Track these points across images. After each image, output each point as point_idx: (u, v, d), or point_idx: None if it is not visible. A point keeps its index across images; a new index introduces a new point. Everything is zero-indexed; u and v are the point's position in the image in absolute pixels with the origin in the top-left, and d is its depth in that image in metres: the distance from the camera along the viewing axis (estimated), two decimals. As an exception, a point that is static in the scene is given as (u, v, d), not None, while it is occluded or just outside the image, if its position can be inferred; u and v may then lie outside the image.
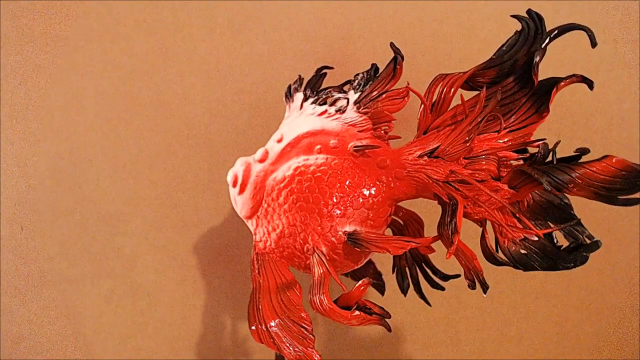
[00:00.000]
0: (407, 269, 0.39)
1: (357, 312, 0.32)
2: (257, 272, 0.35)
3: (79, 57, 0.47)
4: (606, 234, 0.57)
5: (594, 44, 0.30)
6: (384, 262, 0.41)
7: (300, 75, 0.37)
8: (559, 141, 0.32)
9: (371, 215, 0.33)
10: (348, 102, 0.35)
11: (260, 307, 0.34)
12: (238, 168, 0.38)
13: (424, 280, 0.39)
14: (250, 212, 0.36)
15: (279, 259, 0.35)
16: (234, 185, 0.38)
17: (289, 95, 0.38)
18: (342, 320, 0.32)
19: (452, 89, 0.32)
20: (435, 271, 0.38)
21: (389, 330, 0.33)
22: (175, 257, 0.51)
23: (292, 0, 0.48)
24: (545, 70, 0.55)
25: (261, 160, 0.37)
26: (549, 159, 0.31)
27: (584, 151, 0.32)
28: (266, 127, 0.50)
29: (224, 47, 0.48)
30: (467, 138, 0.31)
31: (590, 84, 0.30)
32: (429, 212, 0.38)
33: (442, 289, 0.38)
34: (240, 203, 0.37)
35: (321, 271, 0.32)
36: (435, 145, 0.31)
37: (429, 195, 0.33)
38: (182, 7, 0.47)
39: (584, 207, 0.56)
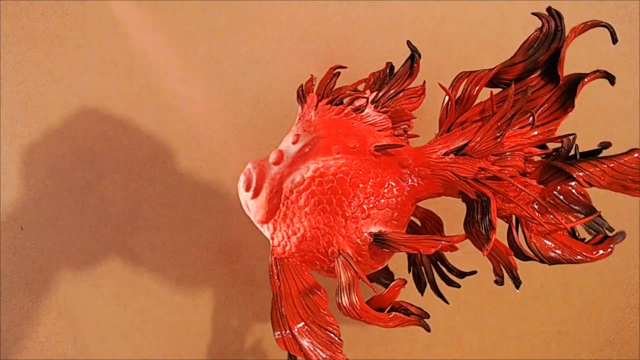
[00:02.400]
0: (422, 267, 0.38)
1: (393, 314, 0.31)
2: (276, 277, 0.34)
3: (79, 57, 0.47)
4: (606, 234, 0.57)
5: (615, 40, 0.30)
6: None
7: (312, 75, 0.36)
8: (575, 135, 0.32)
9: (395, 215, 0.33)
10: (367, 101, 0.34)
11: (284, 313, 0.33)
12: (251, 171, 0.36)
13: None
14: (266, 216, 0.35)
15: (300, 263, 0.34)
16: (248, 189, 0.36)
17: (302, 95, 0.36)
18: (378, 323, 0.31)
19: (478, 86, 0.32)
20: (451, 269, 0.37)
21: (428, 330, 0.32)
22: (175, 257, 0.51)
23: (292, 0, 0.48)
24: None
25: (276, 163, 0.35)
26: (571, 153, 0.32)
27: (606, 145, 0.32)
28: (266, 127, 0.50)
29: (224, 47, 0.48)
30: (498, 134, 0.30)
31: (612, 80, 0.31)
32: (439, 210, 0.38)
33: (458, 286, 0.37)
34: (254, 207, 0.36)
35: (349, 274, 0.31)
36: (462, 143, 0.31)
37: (452, 194, 0.33)
38: (182, 7, 0.47)
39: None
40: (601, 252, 0.32)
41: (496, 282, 0.32)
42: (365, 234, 0.32)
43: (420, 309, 0.32)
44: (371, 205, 0.32)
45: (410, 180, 0.33)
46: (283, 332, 0.33)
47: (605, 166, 0.30)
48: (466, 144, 0.31)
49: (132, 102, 0.48)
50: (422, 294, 0.38)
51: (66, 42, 0.46)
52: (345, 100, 0.35)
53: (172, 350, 0.52)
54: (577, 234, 0.33)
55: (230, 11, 0.48)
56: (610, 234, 0.33)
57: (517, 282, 0.31)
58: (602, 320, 0.57)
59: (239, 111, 0.49)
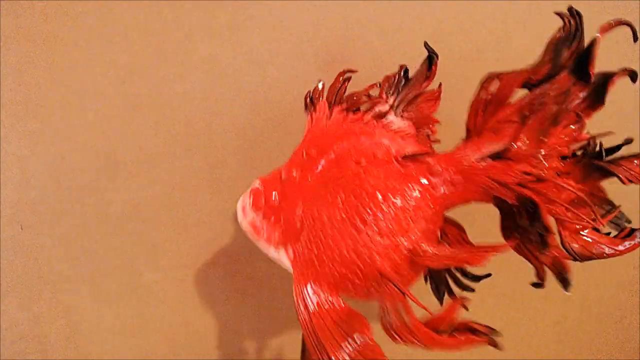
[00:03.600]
0: (439, 276, 0.36)
1: (460, 335, 0.29)
2: (303, 308, 0.31)
3: (79, 57, 0.47)
4: (606, 234, 0.57)
5: (636, 38, 0.31)
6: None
7: (321, 81, 0.34)
8: (609, 132, 0.32)
9: (430, 227, 0.31)
10: (390, 107, 0.32)
11: (322, 343, 0.29)
12: (260, 189, 0.33)
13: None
14: (282, 237, 0.32)
15: (330, 289, 0.31)
16: (258, 207, 0.33)
17: (310, 102, 0.34)
18: (443, 347, 0.29)
19: (513, 87, 0.31)
20: (466, 273, 0.36)
21: (499, 348, 0.30)
22: (175, 257, 0.51)
23: (292, 0, 0.48)
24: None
25: (292, 180, 0.32)
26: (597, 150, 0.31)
27: (629, 141, 0.32)
28: (266, 127, 0.50)
29: (224, 47, 0.48)
30: (542, 136, 0.29)
31: (634, 77, 0.31)
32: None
33: (473, 290, 0.36)
34: (265, 230, 0.33)
35: (396, 296, 0.29)
36: (501, 147, 0.29)
37: (485, 200, 0.31)
38: (182, 7, 0.47)
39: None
40: (627, 244, 0.31)
41: (537, 285, 0.31)
42: (404, 251, 0.30)
43: (488, 326, 0.30)
44: (407, 219, 0.30)
45: (442, 189, 0.31)
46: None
47: None
48: (507, 148, 0.29)
49: (132, 102, 0.48)
50: (440, 304, 0.36)
51: (66, 42, 0.46)
52: (362, 107, 0.33)
53: (172, 350, 0.52)
54: (601, 229, 0.32)
55: (230, 11, 0.48)
56: (629, 226, 0.32)
57: (567, 285, 0.30)
58: (602, 320, 0.57)
59: (238, 111, 0.49)
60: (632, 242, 0.31)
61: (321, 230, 0.30)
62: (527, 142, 0.30)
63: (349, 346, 0.29)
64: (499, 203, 0.31)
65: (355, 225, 0.30)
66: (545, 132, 0.29)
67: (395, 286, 0.29)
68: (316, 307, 0.30)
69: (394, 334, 0.29)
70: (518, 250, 0.31)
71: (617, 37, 0.54)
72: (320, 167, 0.31)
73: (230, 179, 0.50)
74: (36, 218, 0.48)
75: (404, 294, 0.29)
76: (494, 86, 0.31)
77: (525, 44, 0.53)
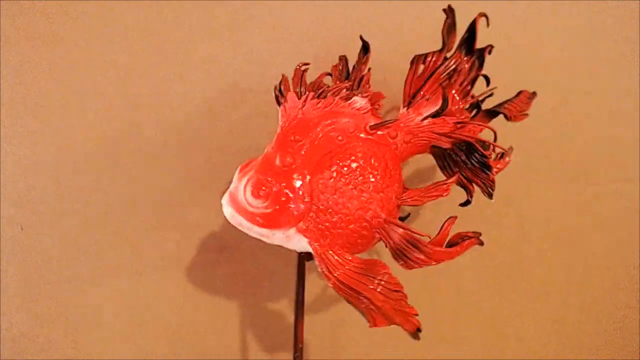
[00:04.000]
0: None
1: (457, 245, 0.35)
2: (335, 278, 0.36)
3: (79, 57, 0.47)
4: (606, 234, 0.57)
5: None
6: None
7: (284, 75, 0.38)
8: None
9: (401, 178, 0.39)
10: (352, 90, 0.39)
11: (362, 292, 0.35)
12: (259, 178, 0.36)
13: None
14: (291, 218, 0.36)
15: (343, 248, 0.37)
16: (265, 196, 0.36)
17: (281, 95, 0.38)
18: (450, 257, 0.35)
19: (434, 66, 0.42)
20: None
21: (482, 244, 0.36)
22: (175, 257, 0.51)
23: (292, 0, 0.48)
24: (547, 69, 0.55)
25: (287, 165, 0.36)
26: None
27: (491, 94, 0.44)
28: (266, 127, 0.50)
29: (224, 47, 0.48)
30: (465, 94, 0.42)
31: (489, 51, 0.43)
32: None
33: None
34: (273, 215, 0.36)
35: (401, 231, 0.36)
36: (437, 108, 0.38)
37: (425, 150, 0.41)
38: (182, 7, 0.47)
39: (583, 207, 0.56)
40: (499, 166, 0.41)
41: (466, 203, 0.39)
42: (394, 199, 0.37)
43: (475, 232, 0.36)
44: (390, 174, 0.38)
45: (400, 147, 0.39)
46: (374, 312, 0.35)
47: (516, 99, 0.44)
48: (445, 107, 0.38)
49: (132, 102, 0.48)
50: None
51: (66, 42, 0.46)
52: (330, 93, 0.38)
53: (172, 350, 0.52)
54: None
55: (230, 11, 0.48)
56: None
57: (491, 195, 0.39)
58: (602, 320, 0.57)
59: (238, 111, 0.49)
60: (505, 162, 0.42)
61: (329, 199, 0.36)
62: (457, 101, 0.41)
63: (378, 285, 0.35)
64: (435, 151, 0.40)
65: (357, 187, 0.36)
66: (466, 92, 0.42)
67: (399, 226, 0.36)
68: (339, 267, 0.36)
69: (412, 263, 0.35)
70: (457, 181, 0.39)
71: (617, 37, 0.54)
72: (310, 147, 0.36)
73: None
74: (36, 218, 0.48)
75: (408, 229, 0.36)
76: (420, 66, 0.40)
77: (525, 44, 0.53)
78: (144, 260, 0.50)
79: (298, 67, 0.39)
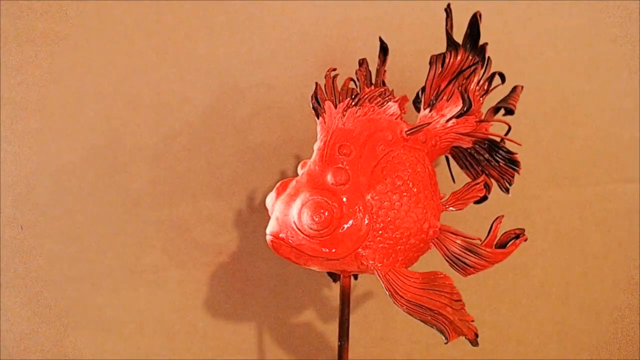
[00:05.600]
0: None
1: (509, 246, 0.35)
2: (400, 295, 0.34)
3: (79, 57, 0.47)
4: (606, 234, 0.57)
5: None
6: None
7: (317, 83, 0.36)
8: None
9: (437, 184, 0.38)
10: (385, 95, 0.37)
11: (433, 310, 0.34)
12: (324, 201, 0.32)
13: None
14: (362, 238, 0.33)
15: (403, 265, 0.35)
16: (325, 225, 0.32)
17: (319, 105, 0.35)
18: (506, 257, 0.35)
19: (453, 68, 0.40)
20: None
21: (525, 239, 0.36)
22: (175, 257, 0.51)
23: (292, 0, 0.48)
24: (547, 69, 0.55)
25: (344, 182, 0.33)
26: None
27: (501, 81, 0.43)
28: (266, 127, 0.50)
29: (224, 47, 0.48)
30: (483, 93, 0.41)
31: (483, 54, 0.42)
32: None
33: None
34: (338, 239, 0.33)
35: (458, 238, 0.35)
36: (461, 109, 0.37)
37: (446, 152, 0.41)
38: (182, 7, 0.47)
39: (583, 207, 0.56)
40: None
41: (483, 199, 0.39)
42: (441, 205, 0.37)
43: (519, 229, 0.36)
44: (433, 179, 0.37)
45: (429, 152, 0.38)
46: (448, 326, 0.34)
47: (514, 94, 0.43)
48: (470, 107, 0.36)
49: (132, 102, 0.48)
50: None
51: (66, 42, 0.46)
52: (366, 99, 0.36)
53: (172, 350, 0.52)
54: None
55: (230, 11, 0.48)
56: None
57: (508, 190, 0.39)
58: (602, 320, 0.57)
59: (238, 111, 0.49)
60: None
61: (389, 215, 0.34)
62: (475, 100, 0.40)
63: (445, 297, 0.34)
64: (454, 150, 0.41)
65: (412, 198, 0.34)
66: (484, 91, 0.41)
67: (455, 233, 0.35)
68: (406, 287, 0.34)
69: (470, 269, 0.34)
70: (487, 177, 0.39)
71: (617, 37, 0.54)
72: (358, 160, 0.34)
73: (230, 179, 0.50)
74: (36, 218, 0.48)
75: (464, 236, 0.35)
76: (439, 65, 0.39)
77: (526, 44, 0.53)
78: (144, 260, 0.50)
79: (328, 74, 0.36)
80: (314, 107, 0.35)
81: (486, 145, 0.38)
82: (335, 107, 0.35)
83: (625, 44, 0.54)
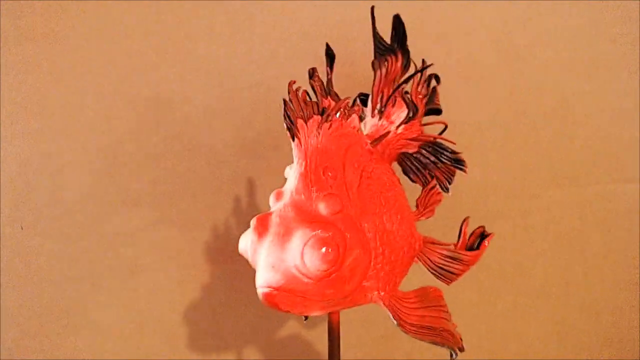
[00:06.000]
0: None
1: (482, 245, 0.35)
2: (404, 320, 0.32)
3: (79, 57, 0.47)
4: (606, 234, 0.57)
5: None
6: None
7: (285, 99, 0.33)
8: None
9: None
10: (351, 107, 0.35)
11: (436, 328, 0.32)
12: (321, 236, 0.28)
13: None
14: (361, 274, 0.30)
15: (398, 284, 0.34)
16: (333, 263, 0.28)
17: (292, 124, 0.31)
18: (480, 256, 0.34)
19: (395, 73, 0.39)
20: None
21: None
22: (175, 257, 0.51)
23: (292, 0, 0.48)
24: (547, 69, 0.55)
25: (335, 213, 0.30)
26: None
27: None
28: (266, 127, 0.50)
29: (224, 47, 0.48)
30: (425, 95, 0.39)
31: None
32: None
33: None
34: (350, 276, 0.29)
35: (439, 247, 0.35)
36: (409, 114, 0.36)
37: (394, 160, 0.39)
38: (182, 7, 0.47)
39: (583, 207, 0.56)
40: None
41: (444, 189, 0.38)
42: (413, 217, 0.36)
43: (480, 226, 0.36)
44: (403, 193, 0.35)
45: (388, 160, 0.37)
46: (452, 341, 0.33)
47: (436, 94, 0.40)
48: (417, 111, 0.36)
49: (132, 102, 0.48)
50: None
51: (66, 42, 0.46)
52: (334, 114, 0.33)
53: (172, 350, 0.52)
54: None
55: (230, 11, 0.48)
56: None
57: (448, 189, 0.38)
58: (602, 320, 0.57)
59: (238, 111, 0.49)
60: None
61: (384, 238, 0.31)
62: (419, 104, 0.39)
63: (443, 312, 0.33)
64: (400, 157, 0.39)
65: (397, 214, 0.33)
66: (426, 93, 0.39)
67: (436, 243, 0.35)
68: (408, 311, 0.32)
69: (454, 276, 0.34)
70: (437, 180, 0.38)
71: (617, 37, 0.54)
72: (343, 182, 0.31)
73: (230, 179, 0.50)
74: (36, 218, 0.48)
75: (444, 244, 0.35)
76: (383, 71, 0.38)
77: (526, 44, 0.53)
78: (144, 260, 0.50)
79: (292, 88, 0.32)
80: (288, 128, 0.31)
81: (431, 148, 0.37)
82: (306, 124, 0.31)
83: (625, 44, 0.54)
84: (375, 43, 0.38)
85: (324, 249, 0.27)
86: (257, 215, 0.30)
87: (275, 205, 0.30)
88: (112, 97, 0.48)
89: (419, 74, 0.38)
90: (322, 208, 0.29)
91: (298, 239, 0.28)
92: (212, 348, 0.53)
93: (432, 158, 0.38)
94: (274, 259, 0.28)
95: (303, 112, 0.31)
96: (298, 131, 0.31)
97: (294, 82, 0.32)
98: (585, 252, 0.56)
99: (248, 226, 0.30)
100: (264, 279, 0.28)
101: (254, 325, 0.53)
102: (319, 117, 0.31)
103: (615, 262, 0.57)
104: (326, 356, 0.55)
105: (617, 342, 0.58)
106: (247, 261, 0.51)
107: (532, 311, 0.56)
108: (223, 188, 0.50)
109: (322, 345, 0.54)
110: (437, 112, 0.40)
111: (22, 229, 0.48)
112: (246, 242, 0.30)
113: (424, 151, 0.38)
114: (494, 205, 0.52)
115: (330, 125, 0.31)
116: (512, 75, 0.52)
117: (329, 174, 0.30)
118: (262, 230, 0.29)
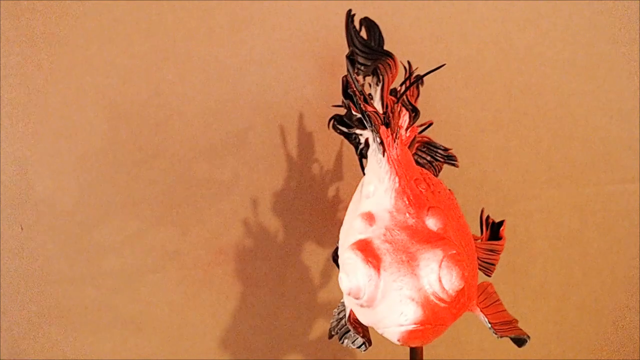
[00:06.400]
0: None
1: (501, 232, 0.36)
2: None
3: (79, 57, 0.47)
4: (606, 234, 0.57)
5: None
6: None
7: (368, 109, 0.32)
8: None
9: None
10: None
11: (506, 319, 0.34)
12: (455, 255, 0.26)
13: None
14: (475, 285, 0.30)
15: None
16: (465, 279, 0.25)
17: (379, 135, 0.29)
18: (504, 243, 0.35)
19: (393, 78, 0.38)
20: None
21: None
22: (175, 257, 0.51)
23: (292, 0, 0.48)
24: (547, 69, 0.55)
25: (443, 226, 0.28)
26: None
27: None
28: (266, 127, 0.50)
29: (224, 47, 0.48)
30: (416, 98, 0.39)
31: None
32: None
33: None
34: (469, 291, 0.28)
35: (480, 243, 0.36)
36: (410, 117, 0.36)
37: None
38: (182, 7, 0.47)
39: (583, 207, 0.56)
40: None
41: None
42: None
43: (488, 216, 0.38)
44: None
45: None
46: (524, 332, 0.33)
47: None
48: (418, 114, 0.37)
49: (132, 102, 0.48)
50: None
51: (66, 42, 0.46)
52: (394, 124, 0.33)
53: (172, 350, 0.52)
54: None
55: (230, 11, 0.48)
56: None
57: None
58: (602, 320, 0.57)
59: (238, 111, 0.49)
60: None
61: (466, 247, 0.31)
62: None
63: (501, 304, 0.33)
64: None
65: (462, 221, 0.33)
66: (414, 97, 0.39)
67: (475, 238, 0.36)
68: (491, 314, 0.33)
69: (494, 267, 0.35)
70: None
71: (617, 37, 0.54)
72: (433, 193, 0.31)
73: (230, 179, 0.50)
74: (36, 218, 0.48)
75: (481, 239, 0.36)
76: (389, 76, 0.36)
77: (526, 44, 0.53)
78: (144, 260, 0.50)
79: (363, 103, 0.30)
80: (381, 142, 0.28)
81: (426, 148, 0.38)
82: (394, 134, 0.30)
83: (625, 44, 0.54)
84: (367, 49, 0.36)
85: (458, 267, 0.25)
86: (354, 247, 0.26)
87: (368, 230, 0.27)
88: (112, 97, 0.48)
89: (408, 75, 0.39)
90: (432, 224, 0.27)
91: (430, 262, 0.25)
92: (212, 348, 0.53)
93: (428, 157, 0.38)
94: (410, 290, 0.25)
95: (385, 125, 0.30)
96: (389, 146, 0.29)
97: (362, 93, 0.30)
98: (585, 252, 0.56)
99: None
100: (412, 314, 0.25)
101: (254, 325, 0.53)
102: (387, 128, 0.30)
103: (615, 262, 0.57)
104: (325, 356, 0.55)
105: (617, 342, 0.58)
106: (246, 261, 0.51)
107: (532, 311, 0.56)
108: (223, 188, 0.50)
109: (322, 345, 0.54)
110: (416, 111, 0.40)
111: (22, 229, 0.48)
112: (359, 280, 0.26)
113: (419, 152, 0.38)
114: (494, 205, 0.52)
115: (399, 134, 0.30)
116: (512, 75, 0.52)
117: (422, 186, 0.29)
118: (376, 262, 0.26)
